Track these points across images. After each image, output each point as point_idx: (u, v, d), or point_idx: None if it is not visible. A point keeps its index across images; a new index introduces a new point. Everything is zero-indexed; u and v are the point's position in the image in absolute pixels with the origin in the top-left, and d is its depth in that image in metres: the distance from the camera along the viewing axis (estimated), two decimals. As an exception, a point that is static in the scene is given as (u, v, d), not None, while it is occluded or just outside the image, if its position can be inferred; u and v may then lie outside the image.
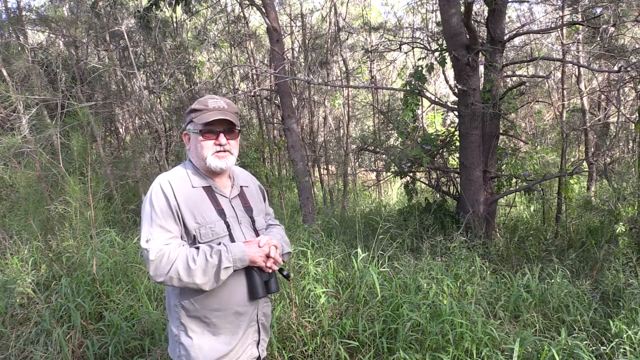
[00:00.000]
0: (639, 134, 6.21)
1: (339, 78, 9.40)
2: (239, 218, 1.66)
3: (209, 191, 1.62)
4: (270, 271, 1.61)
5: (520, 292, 3.19)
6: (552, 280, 3.33)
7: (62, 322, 3.08)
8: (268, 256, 1.58)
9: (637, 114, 5.80)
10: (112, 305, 3.28)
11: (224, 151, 1.61)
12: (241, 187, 1.75)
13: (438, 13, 5.53)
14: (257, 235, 1.69)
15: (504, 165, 5.34)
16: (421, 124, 8.37)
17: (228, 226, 1.60)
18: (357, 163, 10.62)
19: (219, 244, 1.53)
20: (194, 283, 1.46)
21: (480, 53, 4.58)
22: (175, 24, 8.06)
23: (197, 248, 1.51)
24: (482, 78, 4.88)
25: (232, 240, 1.59)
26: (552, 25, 5.59)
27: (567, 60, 5.62)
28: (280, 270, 1.70)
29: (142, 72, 7.79)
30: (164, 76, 7.31)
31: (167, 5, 6.54)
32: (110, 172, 6.43)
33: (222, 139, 1.60)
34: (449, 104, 5.66)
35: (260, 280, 1.59)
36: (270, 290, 1.62)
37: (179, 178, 1.58)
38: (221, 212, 1.60)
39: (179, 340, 1.58)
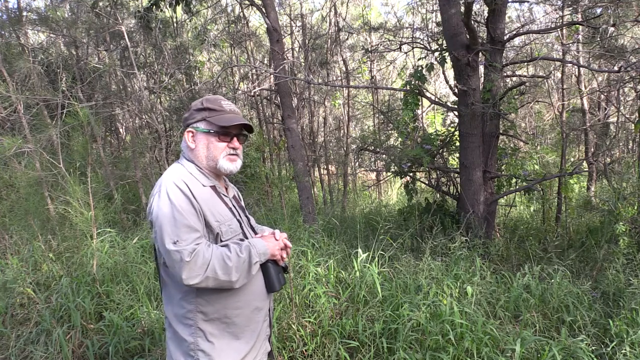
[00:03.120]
0: (639, 134, 6.21)
1: (339, 78, 9.40)
2: (241, 217, 1.69)
3: (215, 191, 1.62)
4: (284, 262, 1.67)
5: (521, 292, 3.19)
6: (552, 280, 3.33)
7: (62, 322, 3.08)
8: (282, 248, 1.64)
9: (637, 114, 5.80)
10: (112, 305, 3.28)
11: (235, 155, 1.62)
12: (232, 188, 1.79)
13: (438, 13, 5.53)
14: (255, 232, 1.73)
15: (504, 165, 5.34)
16: (421, 124, 8.37)
17: (240, 224, 1.63)
18: (357, 163, 10.62)
19: (241, 240, 1.56)
20: (229, 281, 1.45)
21: (480, 53, 4.58)
22: (175, 24, 8.06)
23: (225, 246, 1.50)
24: (482, 78, 4.88)
25: (245, 237, 1.62)
26: (552, 25, 5.59)
27: (567, 60, 5.61)
28: None
29: (142, 72, 7.79)
30: (164, 76, 7.32)
31: (168, 6, 6.54)
32: (110, 172, 6.43)
33: (236, 142, 1.61)
34: (449, 104, 5.66)
35: (275, 273, 1.63)
36: (281, 283, 1.66)
37: (190, 177, 1.55)
38: (231, 211, 1.63)
39: (197, 347, 1.51)
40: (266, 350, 1.72)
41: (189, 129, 1.62)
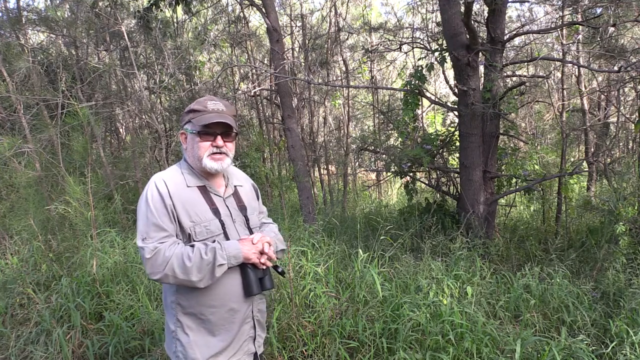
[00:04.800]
0: (639, 134, 6.21)
1: (339, 78, 9.40)
2: (233, 217, 1.69)
3: (204, 190, 1.65)
4: (264, 267, 1.64)
5: (521, 292, 3.19)
6: (552, 280, 3.33)
7: (62, 322, 3.08)
8: (262, 253, 1.61)
9: (637, 114, 5.80)
10: (112, 305, 3.28)
11: (220, 153, 1.63)
12: (235, 186, 1.77)
13: (438, 13, 5.53)
14: (252, 233, 1.71)
15: (504, 165, 5.34)
16: (421, 124, 8.37)
17: (223, 225, 1.63)
18: (357, 163, 10.62)
19: (214, 242, 1.56)
20: (189, 280, 1.49)
21: (480, 53, 4.57)
22: (175, 24, 8.06)
23: (192, 246, 1.53)
24: (482, 78, 4.87)
25: (227, 238, 1.62)
26: (552, 25, 5.59)
27: (567, 60, 5.61)
28: (275, 267, 1.74)
29: (142, 72, 7.79)
30: (164, 76, 7.32)
31: (167, 6, 6.54)
32: (110, 172, 6.43)
33: (219, 141, 1.62)
34: (449, 104, 5.66)
35: (254, 277, 1.61)
36: (264, 287, 1.64)
37: (174, 177, 1.61)
38: (216, 211, 1.63)
39: (176, 336, 1.61)
40: (249, 351, 1.72)
41: (181, 131, 1.70)
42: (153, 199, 1.54)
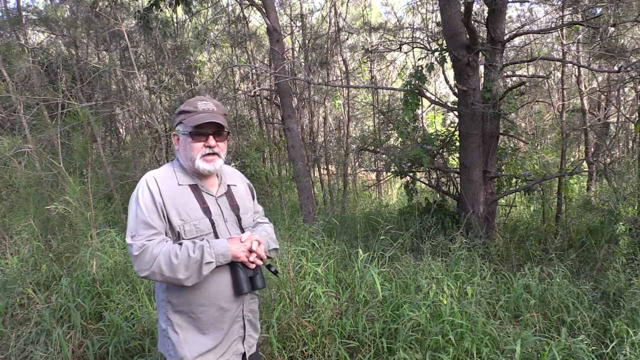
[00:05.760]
0: (639, 134, 6.20)
1: (339, 78, 9.41)
2: (224, 216, 1.68)
3: (195, 189, 1.64)
4: (254, 266, 1.62)
5: (521, 292, 3.19)
6: (552, 280, 3.33)
7: (62, 322, 3.08)
8: (251, 251, 1.60)
9: (637, 114, 5.81)
10: (112, 305, 3.28)
11: (213, 154, 1.63)
12: (228, 185, 1.76)
13: (438, 13, 5.53)
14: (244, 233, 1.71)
15: (504, 165, 5.34)
16: (421, 124, 8.37)
17: (213, 224, 1.62)
18: (357, 163, 10.63)
19: (203, 240, 1.56)
20: (176, 278, 1.49)
21: (480, 53, 4.58)
22: (175, 24, 8.06)
23: (180, 244, 1.53)
24: (482, 78, 4.88)
25: (217, 237, 1.61)
26: (552, 25, 5.59)
27: (567, 61, 5.61)
28: (269, 266, 1.73)
29: (142, 72, 7.79)
30: (164, 76, 7.32)
31: (168, 6, 6.55)
32: (110, 172, 6.43)
33: (211, 141, 1.63)
34: (449, 104, 5.66)
35: (244, 276, 1.60)
36: (256, 286, 1.63)
37: (166, 175, 1.62)
38: (206, 210, 1.63)
39: (167, 334, 1.61)
40: (237, 351, 1.70)
41: (174, 132, 1.71)
42: (143, 196, 1.55)
